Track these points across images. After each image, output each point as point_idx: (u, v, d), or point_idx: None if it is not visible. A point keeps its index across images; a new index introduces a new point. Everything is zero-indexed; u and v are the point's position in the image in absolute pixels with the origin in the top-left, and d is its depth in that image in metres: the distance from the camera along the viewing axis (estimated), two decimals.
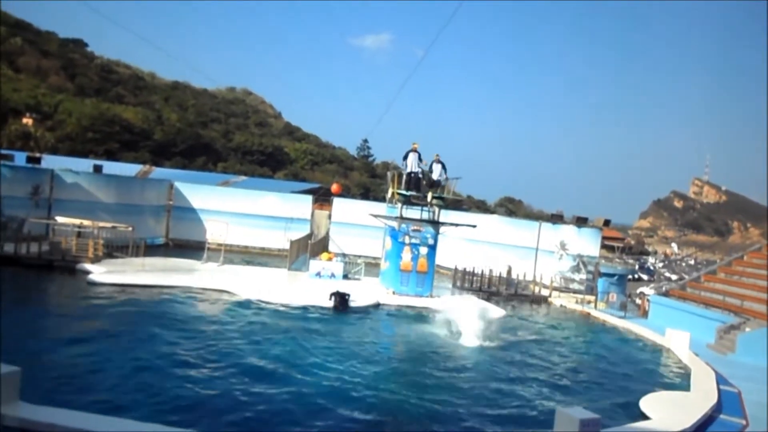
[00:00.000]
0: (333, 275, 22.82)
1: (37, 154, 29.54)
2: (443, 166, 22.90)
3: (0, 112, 54.66)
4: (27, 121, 57.62)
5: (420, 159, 22.65)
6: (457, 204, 34.15)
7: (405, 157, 22.65)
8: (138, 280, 19.28)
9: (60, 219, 23.74)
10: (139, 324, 14.45)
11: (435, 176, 22.87)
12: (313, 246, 27.13)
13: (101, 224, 23.41)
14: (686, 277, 29.87)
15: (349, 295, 18.87)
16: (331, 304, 18.47)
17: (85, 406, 8.63)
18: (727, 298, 21.73)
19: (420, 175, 22.71)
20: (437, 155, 23.13)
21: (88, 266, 20.45)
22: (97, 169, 28.95)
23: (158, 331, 13.90)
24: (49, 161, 28.89)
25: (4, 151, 28.47)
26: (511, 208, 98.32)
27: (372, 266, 26.21)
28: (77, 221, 23.18)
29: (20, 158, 27.20)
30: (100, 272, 19.69)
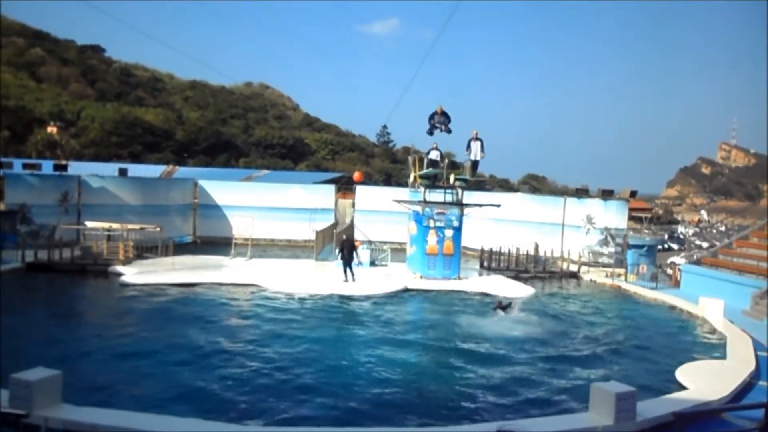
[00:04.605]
0: (360, 263, 22.91)
1: (64, 162, 30.13)
2: (482, 144, 22.69)
3: (25, 122, 55.75)
4: (52, 129, 58.77)
5: (447, 117, 22.32)
6: (480, 184, 33.92)
7: (431, 118, 22.38)
8: (169, 279, 19.56)
9: (89, 224, 24.20)
10: (173, 321, 14.70)
11: (475, 155, 22.66)
12: (338, 235, 27.25)
13: (130, 226, 23.79)
14: (717, 244, 29.35)
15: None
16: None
17: (131, 405, 8.84)
18: (760, 262, 21.32)
19: (438, 158, 22.69)
20: (476, 132, 22.78)
21: (120, 268, 20.83)
22: (122, 172, 29.40)
23: (191, 327, 14.12)
24: (75, 168, 29.41)
25: (31, 161, 29.10)
26: (535, 185, 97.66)
27: (398, 252, 26.25)
28: (106, 225, 23.61)
29: (47, 166, 27.77)
30: (132, 273, 20.05)
